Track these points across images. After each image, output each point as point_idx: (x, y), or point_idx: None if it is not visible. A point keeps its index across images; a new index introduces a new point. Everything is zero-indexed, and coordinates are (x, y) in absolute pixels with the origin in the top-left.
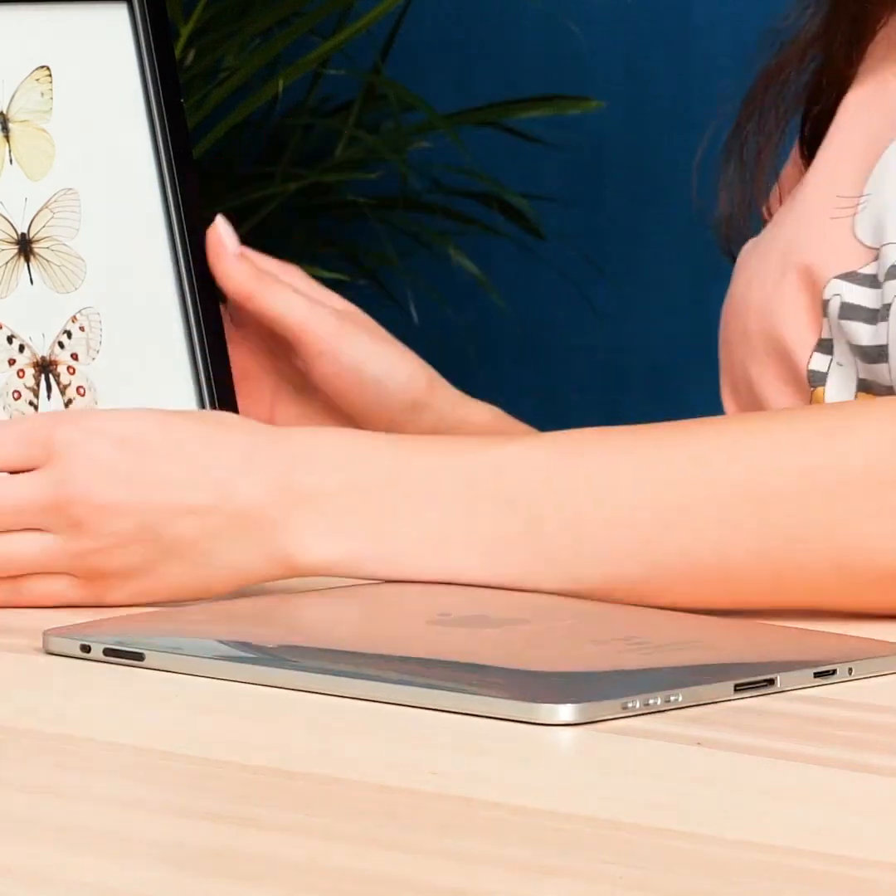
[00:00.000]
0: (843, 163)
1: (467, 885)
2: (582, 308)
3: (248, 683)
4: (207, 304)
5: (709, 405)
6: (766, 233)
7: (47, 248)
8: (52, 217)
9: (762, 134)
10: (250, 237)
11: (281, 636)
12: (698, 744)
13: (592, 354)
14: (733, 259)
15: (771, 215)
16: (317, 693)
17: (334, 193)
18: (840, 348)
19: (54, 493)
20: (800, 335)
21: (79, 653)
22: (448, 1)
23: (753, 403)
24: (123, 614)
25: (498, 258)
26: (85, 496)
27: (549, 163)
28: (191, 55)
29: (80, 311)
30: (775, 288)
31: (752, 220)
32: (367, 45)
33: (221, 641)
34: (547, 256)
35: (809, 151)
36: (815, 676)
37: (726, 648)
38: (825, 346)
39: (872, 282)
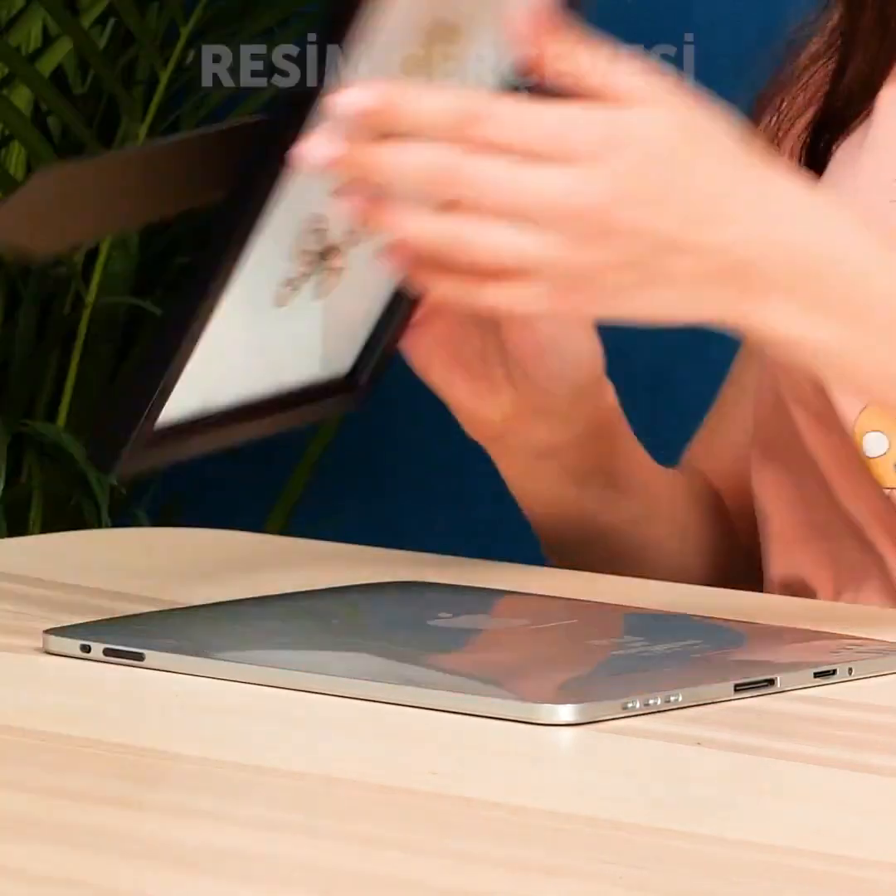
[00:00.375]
0: (892, 151)
1: (467, 885)
2: None
3: (249, 683)
4: None
5: (708, 405)
6: None
7: None
8: None
9: (774, 143)
10: None
11: (281, 636)
12: (698, 744)
13: None
14: None
15: None
16: (317, 693)
17: None
18: None
19: (576, 197)
20: None
21: (79, 653)
22: None
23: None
24: (123, 614)
25: None
26: (603, 209)
27: None
28: (191, 55)
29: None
30: None
31: None
32: None
33: (221, 641)
34: None
35: (818, 157)
36: (815, 676)
37: (726, 648)
38: None
39: None
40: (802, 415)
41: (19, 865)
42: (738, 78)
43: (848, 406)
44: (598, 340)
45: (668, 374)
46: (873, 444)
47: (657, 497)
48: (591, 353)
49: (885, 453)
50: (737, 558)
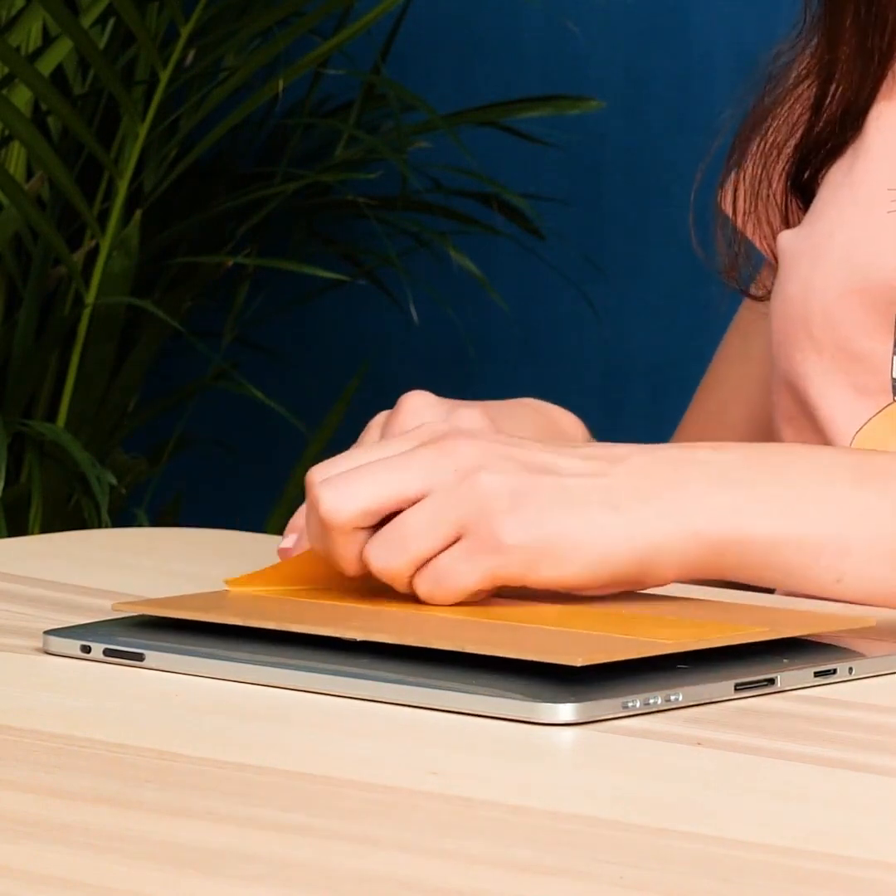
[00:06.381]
0: (888, 162)
1: (467, 885)
2: (582, 308)
3: (249, 684)
4: None
5: None
6: (813, 232)
7: None
8: None
9: (764, 169)
10: (250, 237)
11: (281, 636)
12: (698, 744)
13: (592, 354)
14: (753, 297)
15: (775, 262)
16: (317, 693)
17: (334, 193)
18: None
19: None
20: (873, 344)
21: (79, 653)
22: (448, 1)
23: (802, 405)
24: (123, 615)
25: (498, 258)
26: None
27: (549, 163)
28: (191, 55)
29: None
30: (840, 298)
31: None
32: (367, 45)
33: (221, 641)
34: (547, 256)
35: (804, 183)
36: (815, 676)
37: (726, 647)
38: None
39: None
40: (790, 433)
41: (19, 865)
42: (737, 78)
43: (839, 429)
44: None
45: (667, 372)
46: None
47: None
48: None
49: None
50: None
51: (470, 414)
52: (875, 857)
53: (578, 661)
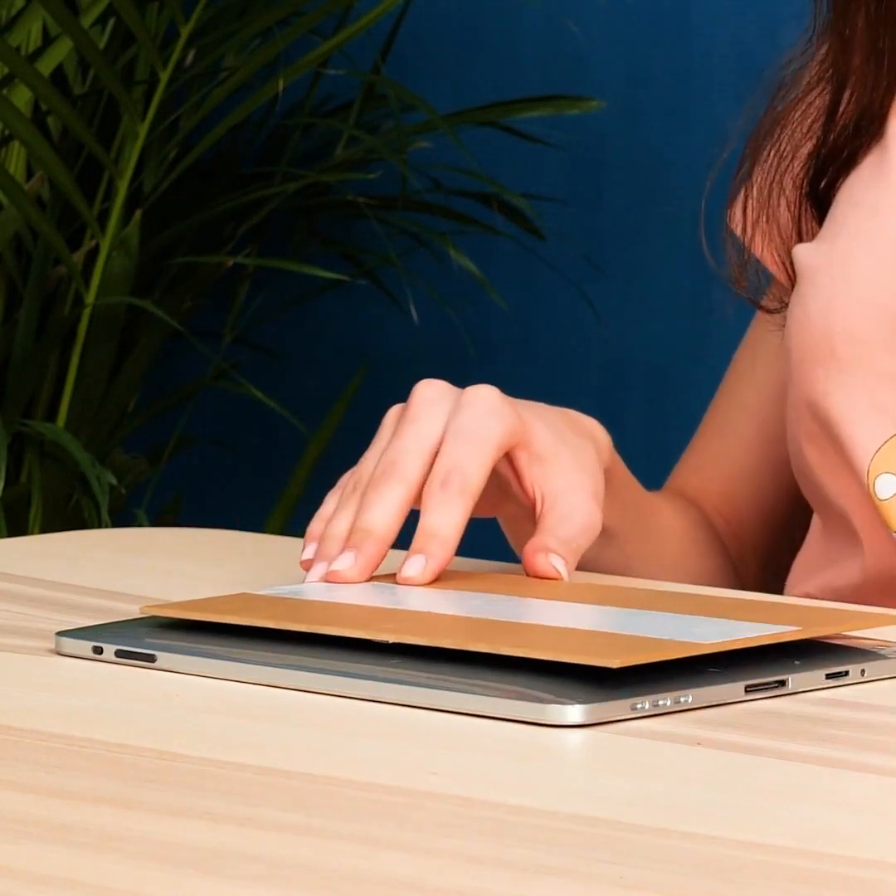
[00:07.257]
0: None
1: (467, 885)
2: (582, 308)
3: (251, 684)
4: None
5: (707, 406)
6: (832, 248)
7: None
8: None
9: (775, 178)
10: (250, 237)
11: (289, 637)
12: (699, 744)
13: (592, 354)
14: (764, 309)
15: (791, 278)
16: (317, 693)
17: (334, 193)
18: None
19: None
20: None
21: (90, 654)
22: (448, 1)
23: (823, 425)
24: (126, 615)
25: (498, 258)
26: None
27: (549, 163)
28: (191, 55)
29: None
30: (862, 316)
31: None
32: (367, 45)
33: (233, 642)
34: (547, 256)
35: (820, 192)
36: (826, 678)
37: (737, 649)
38: None
39: None
40: (813, 453)
41: (19, 865)
42: (737, 78)
43: (862, 448)
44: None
45: (667, 374)
46: (884, 487)
47: (648, 529)
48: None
49: (894, 495)
50: (726, 579)
51: (482, 388)
52: (875, 857)
53: (615, 663)
